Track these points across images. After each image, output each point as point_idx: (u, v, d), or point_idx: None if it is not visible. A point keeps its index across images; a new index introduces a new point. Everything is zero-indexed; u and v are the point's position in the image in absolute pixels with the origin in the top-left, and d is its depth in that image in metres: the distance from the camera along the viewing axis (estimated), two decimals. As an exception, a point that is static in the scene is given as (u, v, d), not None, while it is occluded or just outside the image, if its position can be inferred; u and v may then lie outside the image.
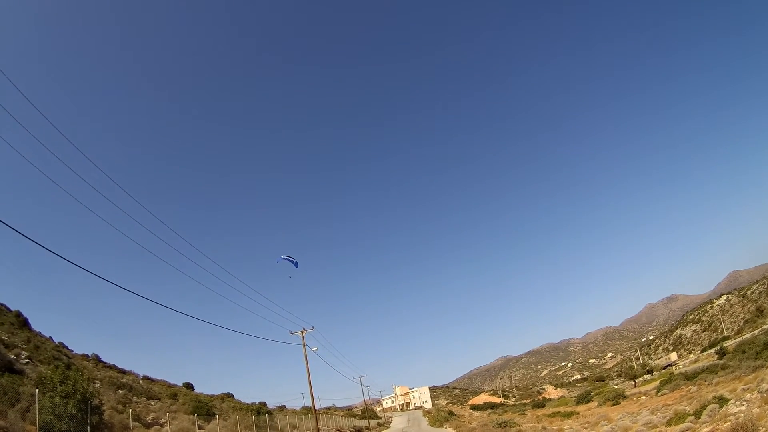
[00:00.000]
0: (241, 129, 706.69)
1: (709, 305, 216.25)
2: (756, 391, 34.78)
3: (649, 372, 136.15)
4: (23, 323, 61.74)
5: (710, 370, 67.96)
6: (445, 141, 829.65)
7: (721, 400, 36.28)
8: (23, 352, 50.70)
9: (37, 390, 33.68)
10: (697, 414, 35.78)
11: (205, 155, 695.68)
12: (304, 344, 66.34)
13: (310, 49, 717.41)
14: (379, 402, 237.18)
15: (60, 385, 36.18)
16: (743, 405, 32.30)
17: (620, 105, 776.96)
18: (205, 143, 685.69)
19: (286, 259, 57.62)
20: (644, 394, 77.99)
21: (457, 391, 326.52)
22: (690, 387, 58.83)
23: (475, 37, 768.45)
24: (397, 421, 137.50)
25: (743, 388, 38.90)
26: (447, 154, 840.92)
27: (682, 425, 34.52)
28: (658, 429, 38.11)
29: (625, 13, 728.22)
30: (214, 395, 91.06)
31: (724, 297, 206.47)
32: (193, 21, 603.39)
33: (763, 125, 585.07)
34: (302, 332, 67.04)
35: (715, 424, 31.12)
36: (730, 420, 29.21)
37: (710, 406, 35.38)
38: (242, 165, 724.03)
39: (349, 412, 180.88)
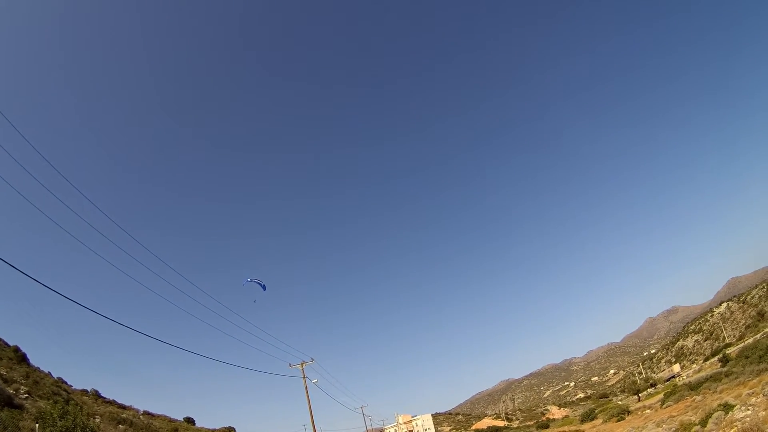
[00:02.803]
0: (236, 155, 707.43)
1: (710, 314, 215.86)
2: (761, 395, 34.72)
3: (653, 385, 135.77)
4: (22, 358, 61.59)
5: (714, 378, 67.73)
6: (438, 162, 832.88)
7: (727, 407, 36.13)
8: (22, 387, 50.38)
9: (36, 425, 33.50)
10: (703, 423, 35.62)
11: (199, 185, 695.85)
12: (304, 377, 65.80)
13: (306, 66, 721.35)
14: (381, 431, 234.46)
15: (60, 420, 35.98)
16: (749, 410, 32.17)
17: (610, 119, 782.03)
18: (201, 172, 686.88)
19: (254, 281, 55.12)
20: (649, 408, 77.50)
21: (461, 416, 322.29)
22: (694, 396, 58.51)
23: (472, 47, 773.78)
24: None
25: (748, 393, 38.81)
26: (443, 178, 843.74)
27: (689, 435, 34.42)
28: (664, 441, 37.94)
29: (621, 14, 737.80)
30: (215, 429, 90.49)
31: (725, 304, 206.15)
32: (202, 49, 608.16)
33: (754, 129, 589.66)
34: (302, 365, 66.54)
35: (721, 431, 31.00)
36: (736, 426, 29.15)
37: (716, 414, 35.21)
38: (239, 193, 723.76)
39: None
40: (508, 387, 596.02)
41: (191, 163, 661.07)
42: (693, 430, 35.50)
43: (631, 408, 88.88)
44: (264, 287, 55.64)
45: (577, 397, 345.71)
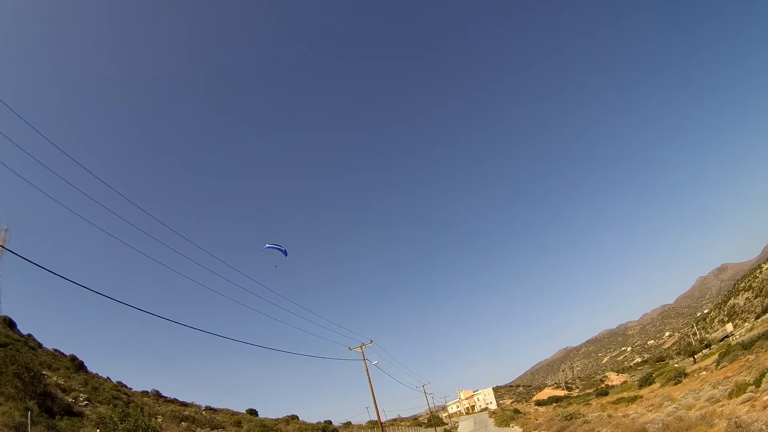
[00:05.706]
0: (290, 136, 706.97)
1: (759, 270, 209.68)
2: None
3: (707, 346, 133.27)
4: (79, 366, 63.57)
5: (766, 336, 66.57)
6: (470, 140, 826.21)
7: (779, 366, 35.61)
8: (81, 395, 52.01)
9: (98, 430, 34.58)
10: (757, 383, 35.13)
11: (257, 171, 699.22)
12: (364, 359, 64.93)
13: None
14: (444, 408, 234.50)
15: (121, 423, 37.05)
16: (801, 367, 31.65)
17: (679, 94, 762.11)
18: (259, 158, 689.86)
19: (272, 247, 50.92)
20: (704, 369, 76.44)
21: (521, 388, 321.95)
22: (748, 356, 57.55)
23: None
24: (464, 426, 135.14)
25: (800, 350, 38.12)
26: (482, 150, 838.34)
27: (744, 396, 33.93)
28: (720, 402, 37.47)
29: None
30: (278, 418, 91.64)
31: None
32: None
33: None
34: (361, 347, 65.40)
35: (774, 390, 30.59)
36: (789, 384, 28.70)
37: (768, 373, 34.75)
38: (295, 179, 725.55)
39: (415, 421, 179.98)
40: (567, 355, 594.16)
41: (235, 143, 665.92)
42: (748, 390, 34.99)
43: (688, 370, 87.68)
44: (285, 252, 51.84)
45: (635, 361, 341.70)
